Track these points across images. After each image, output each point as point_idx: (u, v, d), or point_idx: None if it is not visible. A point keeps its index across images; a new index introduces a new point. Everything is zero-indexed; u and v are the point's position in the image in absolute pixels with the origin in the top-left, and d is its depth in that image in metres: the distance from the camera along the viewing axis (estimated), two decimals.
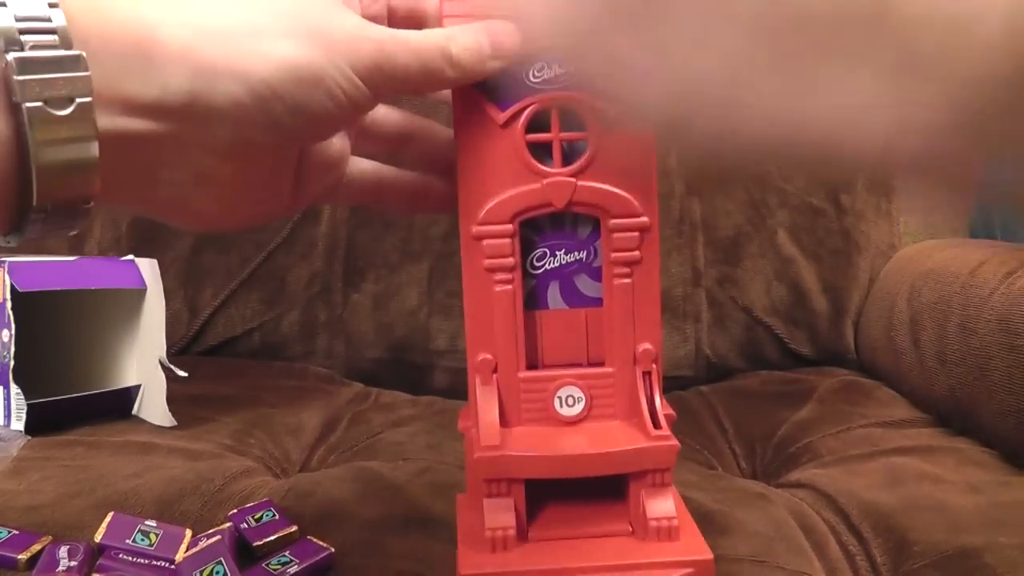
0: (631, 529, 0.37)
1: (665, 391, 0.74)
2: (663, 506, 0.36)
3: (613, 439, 0.36)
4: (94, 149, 0.27)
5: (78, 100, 0.26)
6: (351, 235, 0.79)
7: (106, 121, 0.27)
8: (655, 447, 0.35)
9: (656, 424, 0.36)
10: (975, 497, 0.49)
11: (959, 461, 0.56)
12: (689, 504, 0.47)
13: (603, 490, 0.37)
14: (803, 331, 0.80)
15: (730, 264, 0.80)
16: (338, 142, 0.37)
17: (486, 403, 0.36)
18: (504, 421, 0.37)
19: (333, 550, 0.40)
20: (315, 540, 0.41)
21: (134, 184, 0.31)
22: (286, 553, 0.40)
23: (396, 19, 0.36)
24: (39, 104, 0.26)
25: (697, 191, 0.80)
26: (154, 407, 0.61)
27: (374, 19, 0.35)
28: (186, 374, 0.60)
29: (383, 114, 0.40)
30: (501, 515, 0.36)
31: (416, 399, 0.71)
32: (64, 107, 0.26)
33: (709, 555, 0.36)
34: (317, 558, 0.40)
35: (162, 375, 0.60)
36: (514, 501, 0.36)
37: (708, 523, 0.45)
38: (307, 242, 0.79)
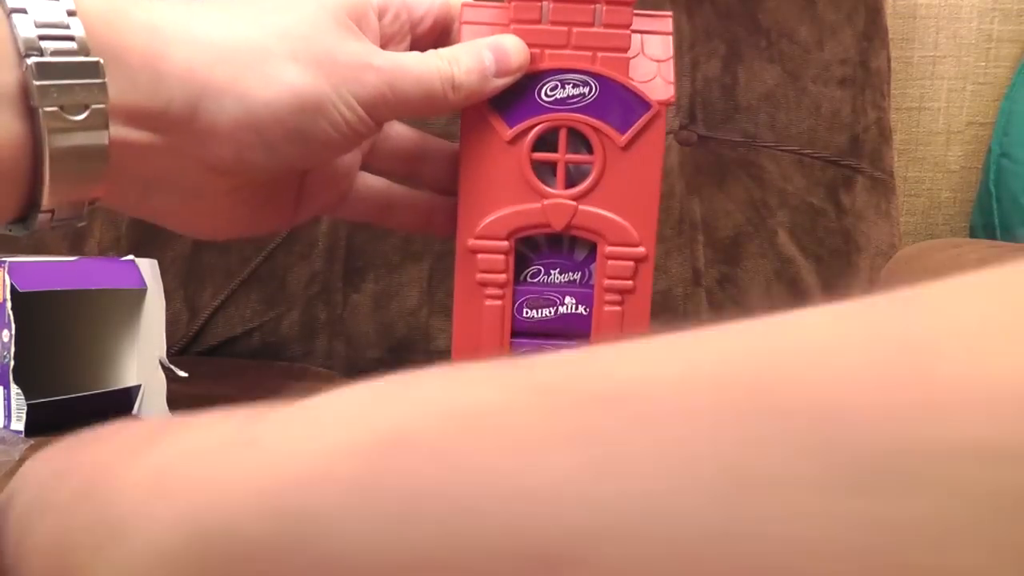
0: None
1: None
2: None
3: None
4: (104, 155, 0.27)
5: (93, 106, 0.27)
6: (351, 235, 0.79)
7: (111, 129, 0.28)
8: None
9: None
10: None
11: None
12: None
13: None
14: None
15: (730, 264, 0.80)
16: (347, 156, 0.37)
17: None
18: None
19: None
20: None
21: (133, 191, 0.31)
22: None
23: (419, 34, 0.36)
24: (55, 109, 0.26)
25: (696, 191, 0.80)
26: (154, 407, 0.60)
27: (393, 38, 0.35)
28: (186, 374, 0.60)
29: (397, 132, 0.40)
30: None
31: None
32: (79, 112, 0.26)
33: None
34: None
35: (162, 375, 0.60)
36: None
37: None
38: (307, 242, 0.79)
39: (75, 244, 0.80)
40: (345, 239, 0.79)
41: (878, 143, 0.83)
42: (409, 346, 0.78)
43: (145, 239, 0.79)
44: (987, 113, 0.99)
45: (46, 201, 0.27)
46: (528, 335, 0.37)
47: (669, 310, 0.78)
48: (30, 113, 0.26)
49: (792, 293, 0.80)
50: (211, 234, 0.36)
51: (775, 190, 0.81)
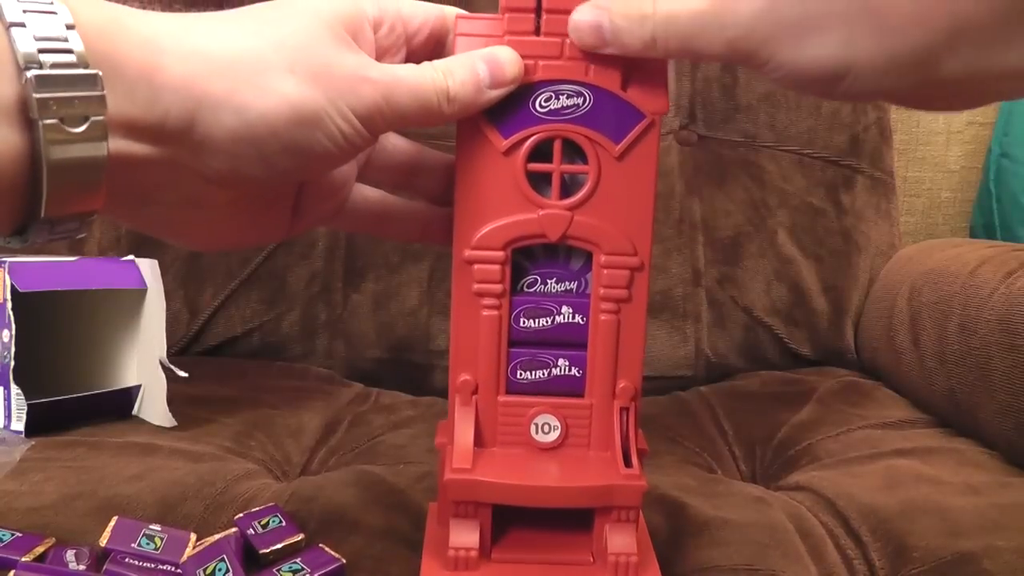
0: (592, 560, 0.38)
1: (665, 391, 0.76)
2: (625, 542, 0.36)
3: (583, 473, 0.36)
4: (103, 167, 0.28)
5: (92, 118, 0.27)
6: (351, 235, 0.79)
7: (109, 142, 0.28)
8: (623, 486, 0.36)
9: (628, 463, 0.36)
10: (974, 499, 0.49)
11: (959, 462, 0.56)
12: (688, 511, 0.48)
13: (570, 518, 0.37)
14: (803, 331, 0.80)
15: (730, 264, 0.80)
16: (343, 168, 0.37)
17: (462, 425, 0.37)
18: (481, 441, 0.37)
19: (344, 561, 0.40)
20: (326, 549, 0.41)
21: (130, 202, 0.32)
22: (297, 560, 0.40)
23: (414, 46, 0.36)
24: (54, 121, 0.26)
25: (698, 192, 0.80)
26: (154, 407, 0.61)
27: (388, 50, 0.35)
28: (186, 374, 0.60)
29: (393, 143, 0.40)
30: (465, 535, 0.36)
31: (416, 400, 0.71)
32: (78, 124, 0.27)
33: None
34: (328, 568, 0.40)
35: (162, 375, 0.60)
36: (480, 523, 0.36)
37: (705, 532, 0.45)
38: (307, 242, 0.79)
39: (75, 244, 0.80)
40: (345, 239, 0.79)
41: (878, 143, 0.83)
42: (409, 346, 0.78)
43: (145, 239, 0.79)
44: (987, 113, 0.99)
45: (44, 213, 0.27)
46: (526, 344, 0.37)
47: (669, 310, 0.78)
48: (29, 125, 0.26)
49: (792, 293, 0.80)
50: (207, 245, 0.36)
51: (775, 190, 0.81)
